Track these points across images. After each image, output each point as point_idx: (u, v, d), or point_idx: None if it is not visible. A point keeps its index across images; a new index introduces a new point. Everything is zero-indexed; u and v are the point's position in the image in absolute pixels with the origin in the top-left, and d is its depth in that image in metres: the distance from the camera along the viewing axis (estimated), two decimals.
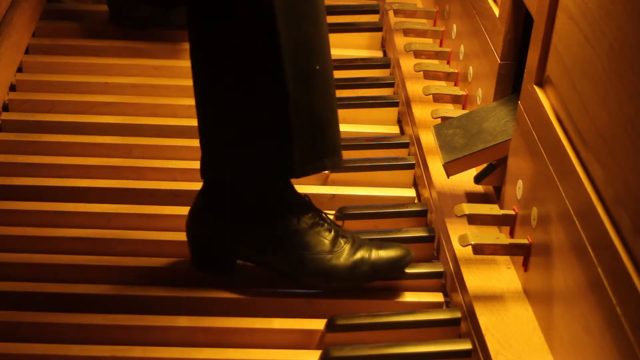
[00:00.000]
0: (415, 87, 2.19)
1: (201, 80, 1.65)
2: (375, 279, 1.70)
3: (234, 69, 1.61)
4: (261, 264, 1.73)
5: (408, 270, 1.73)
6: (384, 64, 2.43)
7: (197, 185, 1.99)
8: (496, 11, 1.89)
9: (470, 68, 2.03)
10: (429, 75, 2.17)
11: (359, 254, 1.69)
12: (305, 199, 1.72)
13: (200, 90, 1.66)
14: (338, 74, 2.36)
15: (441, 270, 1.75)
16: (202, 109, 1.67)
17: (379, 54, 2.58)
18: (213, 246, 1.72)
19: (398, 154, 2.10)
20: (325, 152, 1.67)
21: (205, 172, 1.71)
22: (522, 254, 1.58)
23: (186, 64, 2.16)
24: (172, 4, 2.41)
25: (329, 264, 1.68)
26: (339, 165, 1.70)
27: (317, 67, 1.63)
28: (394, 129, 2.24)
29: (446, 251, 1.74)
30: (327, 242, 1.69)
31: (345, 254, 1.68)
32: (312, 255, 1.68)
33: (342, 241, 1.70)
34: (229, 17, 1.58)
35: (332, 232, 1.70)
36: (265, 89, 1.61)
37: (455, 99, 2.07)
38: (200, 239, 1.72)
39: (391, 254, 1.69)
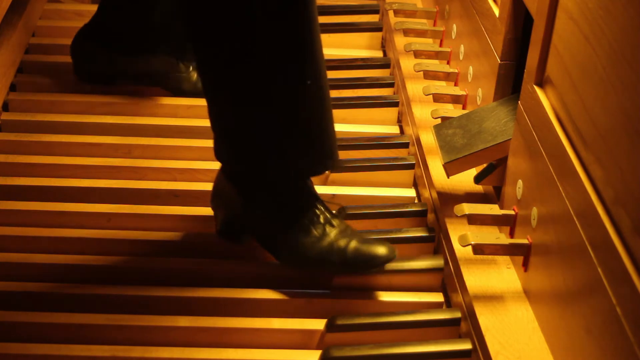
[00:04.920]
0: (415, 87, 2.19)
1: (211, 102, 1.75)
2: (347, 270, 1.71)
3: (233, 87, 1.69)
4: (254, 235, 1.78)
5: (409, 264, 1.74)
6: (384, 64, 2.44)
7: (197, 185, 2.00)
8: (496, 11, 1.89)
9: (470, 68, 2.03)
10: (429, 75, 2.17)
11: (338, 243, 1.69)
12: (308, 186, 1.75)
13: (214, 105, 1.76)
14: (338, 74, 2.37)
15: (441, 261, 1.75)
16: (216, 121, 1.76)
17: (379, 54, 2.58)
18: (227, 214, 1.79)
19: (398, 154, 2.10)
20: (317, 159, 1.74)
21: (223, 160, 1.79)
22: (522, 254, 1.58)
23: None
24: (138, 51, 2.28)
25: (305, 246, 1.70)
26: (332, 169, 1.77)
27: (309, 82, 1.66)
28: (394, 129, 2.24)
29: (446, 251, 1.74)
30: (312, 227, 1.71)
31: (325, 241, 1.70)
32: (295, 235, 1.71)
33: (327, 228, 1.71)
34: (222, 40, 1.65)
35: (322, 219, 1.72)
36: (257, 109, 1.69)
37: (455, 99, 2.07)
38: (219, 208, 1.81)
39: (370, 250, 1.69)
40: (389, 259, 1.69)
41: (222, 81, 1.69)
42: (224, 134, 1.75)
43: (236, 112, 1.71)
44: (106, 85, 2.29)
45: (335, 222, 1.73)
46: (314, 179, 2.03)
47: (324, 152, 1.73)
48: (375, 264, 1.69)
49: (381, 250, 1.69)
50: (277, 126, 1.70)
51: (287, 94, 1.67)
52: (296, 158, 1.72)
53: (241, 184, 1.77)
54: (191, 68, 2.27)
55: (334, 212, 1.76)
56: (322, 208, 1.74)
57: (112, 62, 2.28)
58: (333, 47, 2.56)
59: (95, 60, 2.28)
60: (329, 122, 1.72)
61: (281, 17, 1.61)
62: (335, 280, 1.75)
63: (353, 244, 1.69)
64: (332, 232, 1.71)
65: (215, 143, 1.77)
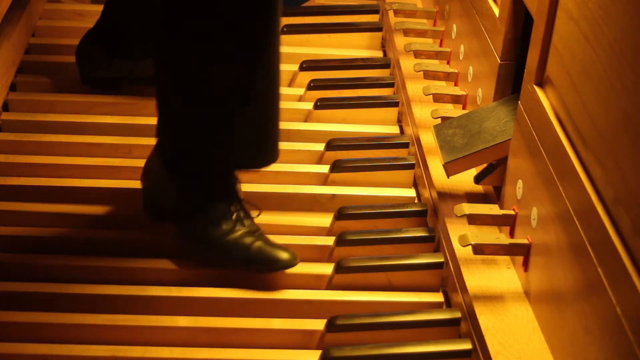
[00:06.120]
0: (415, 87, 2.19)
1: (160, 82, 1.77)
2: (247, 268, 1.73)
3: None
4: (171, 218, 1.81)
5: (409, 261, 1.74)
6: (384, 64, 2.44)
7: None
8: (496, 11, 1.89)
9: (470, 68, 2.03)
10: (429, 75, 2.17)
11: (244, 240, 1.73)
12: (232, 181, 1.79)
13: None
14: (338, 74, 2.37)
15: (441, 260, 1.75)
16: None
17: (379, 54, 2.58)
18: (153, 192, 1.84)
19: (398, 154, 2.10)
20: (257, 154, 1.77)
21: (161, 137, 1.81)
22: (522, 254, 1.58)
23: None
24: (143, 55, 2.26)
25: (210, 237, 1.74)
26: (266, 165, 1.79)
27: (257, 84, 1.69)
28: (394, 129, 2.24)
29: (446, 251, 1.74)
30: (223, 221, 1.74)
31: (231, 236, 1.73)
32: (203, 225, 1.74)
33: (237, 226, 1.75)
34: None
35: (234, 217, 1.75)
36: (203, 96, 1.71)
37: (455, 99, 2.07)
38: (147, 188, 1.85)
39: (273, 253, 1.72)
40: (289, 264, 1.72)
41: (174, 67, 1.71)
42: (166, 114, 1.77)
43: (180, 97, 1.73)
44: (112, 89, 2.29)
45: (246, 222, 1.76)
46: (314, 179, 2.03)
47: (263, 148, 1.76)
48: (276, 267, 1.72)
49: (283, 255, 1.72)
50: (219, 117, 1.71)
51: (235, 86, 1.68)
52: (234, 148, 1.74)
53: (171, 166, 1.79)
54: None
55: (251, 213, 1.79)
56: (238, 206, 1.77)
57: (118, 67, 2.27)
58: (333, 47, 2.56)
59: (100, 67, 2.28)
60: (272, 119, 1.74)
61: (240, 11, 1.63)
62: (335, 281, 1.76)
63: (258, 244, 1.73)
64: (240, 230, 1.74)
65: (158, 121, 1.79)
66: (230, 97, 1.69)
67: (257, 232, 1.76)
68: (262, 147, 1.76)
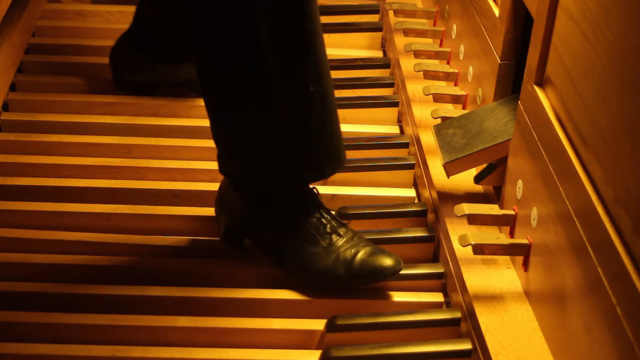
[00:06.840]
0: (415, 87, 2.19)
1: (212, 111, 1.74)
2: (353, 283, 1.70)
3: (233, 101, 1.69)
4: (260, 244, 1.77)
5: (408, 272, 1.74)
6: (384, 64, 2.44)
7: (197, 185, 2.00)
8: (496, 11, 1.89)
9: (470, 68, 2.03)
10: (429, 75, 2.17)
11: (345, 255, 1.69)
12: (314, 195, 1.75)
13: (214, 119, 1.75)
14: (338, 74, 2.37)
15: (441, 271, 1.75)
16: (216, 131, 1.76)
17: (379, 54, 2.58)
18: (231, 221, 1.79)
19: (398, 154, 2.10)
20: (324, 162, 1.73)
21: (228, 173, 1.79)
22: (522, 254, 1.58)
23: None
24: (178, 59, 2.25)
25: (311, 257, 1.70)
26: (336, 171, 1.75)
27: (312, 88, 1.65)
28: (394, 129, 2.24)
29: (446, 251, 1.74)
30: (319, 236, 1.70)
31: (331, 252, 1.69)
32: (301, 245, 1.71)
33: (334, 238, 1.71)
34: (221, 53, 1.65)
35: (329, 228, 1.71)
36: (260, 115, 1.68)
37: (455, 99, 2.07)
38: (222, 214, 1.81)
39: (377, 262, 1.68)
40: (395, 271, 1.68)
41: (222, 86, 1.68)
42: (226, 143, 1.74)
43: (237, 117, 1.70)
44: (147, 93, 2.28)
45: (342, 230, 1.73)
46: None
47: (329, 155, 1.73)
48: (382, 277, 1.69)
49: (387, 262, 1.68)
50: (279, 131, 1.68)
51: (289, 97, 1.66)
52: (301, 162, 1.71)
53: (247, 192, 1.76)
54: None
55: (339, 218, 1.76)
56: (328, 217, 1.73)
57: (154, 72, 2.26)
58: (333, 47, 2.56)
59: (136, 70, 2.27)
60: (333, 124, 1.71)
61: (282, 19, 1.61)
62: None
63: (359, 255, 1.68)
64: (338, 242, 1.71)
65: (219, 156, 1.77)
66: (285, 106, 1.66)
67: (354, 238, 1.72)
68: (325, 154, 1.72)
